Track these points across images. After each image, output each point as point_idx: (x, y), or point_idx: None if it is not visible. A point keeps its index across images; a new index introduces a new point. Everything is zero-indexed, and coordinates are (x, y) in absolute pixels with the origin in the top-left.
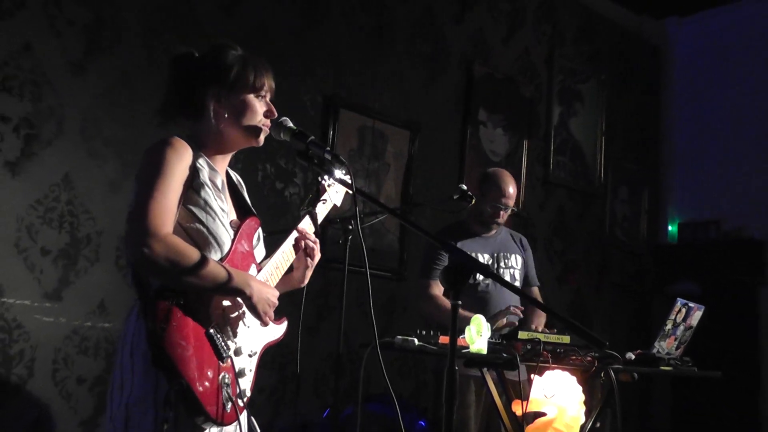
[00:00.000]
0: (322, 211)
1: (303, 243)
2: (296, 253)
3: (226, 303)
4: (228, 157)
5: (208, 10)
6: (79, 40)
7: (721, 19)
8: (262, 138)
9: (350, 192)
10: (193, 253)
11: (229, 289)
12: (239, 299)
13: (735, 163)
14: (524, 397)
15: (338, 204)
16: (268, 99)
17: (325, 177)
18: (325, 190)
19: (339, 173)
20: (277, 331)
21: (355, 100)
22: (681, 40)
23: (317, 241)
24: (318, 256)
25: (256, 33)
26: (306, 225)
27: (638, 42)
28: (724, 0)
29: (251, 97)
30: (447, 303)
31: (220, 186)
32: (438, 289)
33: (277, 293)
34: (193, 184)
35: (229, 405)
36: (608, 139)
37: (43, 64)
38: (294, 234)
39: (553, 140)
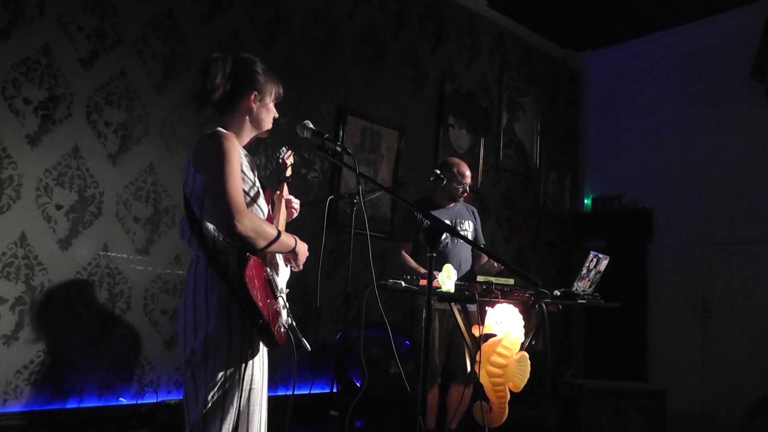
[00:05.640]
0: (288, 174)
1: (292, 205)
2: (288, 211)
3: (270, 256)
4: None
5: (252, 44)
6: (160, 67)
7: (621, 53)
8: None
9: (355, 174)
10: (266, 224)
11: (290, 249)
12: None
13: (632, 153)
14: (480, 323)
15: (289, 170)
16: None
17: (281, 152)
18: (287, 164)
19: (345, 160)
20: (288, 272)
21: (359, 109)
22: (593, 67)
23: (298, 201)
24: (297, 210)
25: (288, 61)
26: (285, 191)
27: (563, 68)
28: (624, 39)
29: (272, 104)
30: (409, 260)
31: (253, 168)
32: (406, 249)
33: (307, 246)
34: (242, 168)
35: (282, 330)
36: (542, 138)
37: (134, 85)
38: (283, 200)
39: (502, 138)
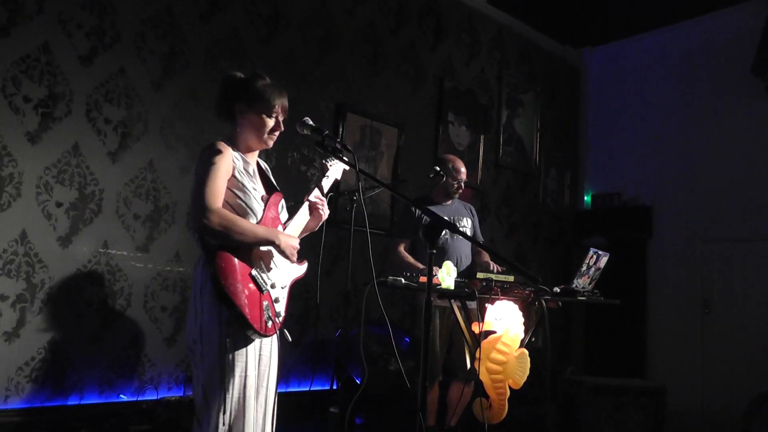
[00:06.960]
0: (326, 183)
1: (318, 206)
2: (312, 213)
3: (261, 251)
4: (256, 152)
5: (252, 43)
6: (159, 65)
7: (620, 50)
8: (270, 144)
9: (355, 171)
10: (237, 219)
11: (264, 240)
12: (271, 247)
13: (632, 151)
14: (480, 320)
15: (338, 177)
16: (279, 118)
17: (328, 159)
18: (328, 169)
19: (345, 157)
20: (300, 269)
21: (358, 106)
22: (593, 63)
23: (325, 202)
24: (327, 212)
25: (287, 59)
26: (315, 194)
27: (563, 64)
28: (624, 35)
29: (264, 116)
30: (406, 256)
31: (251, 172)
32: (402, 246)
33: (297, 241)
34: (234, 173)
35: (270, 323)
36: (542, 135)
37: (133, 82)
38: (307, 202)
39: (502, 135)
